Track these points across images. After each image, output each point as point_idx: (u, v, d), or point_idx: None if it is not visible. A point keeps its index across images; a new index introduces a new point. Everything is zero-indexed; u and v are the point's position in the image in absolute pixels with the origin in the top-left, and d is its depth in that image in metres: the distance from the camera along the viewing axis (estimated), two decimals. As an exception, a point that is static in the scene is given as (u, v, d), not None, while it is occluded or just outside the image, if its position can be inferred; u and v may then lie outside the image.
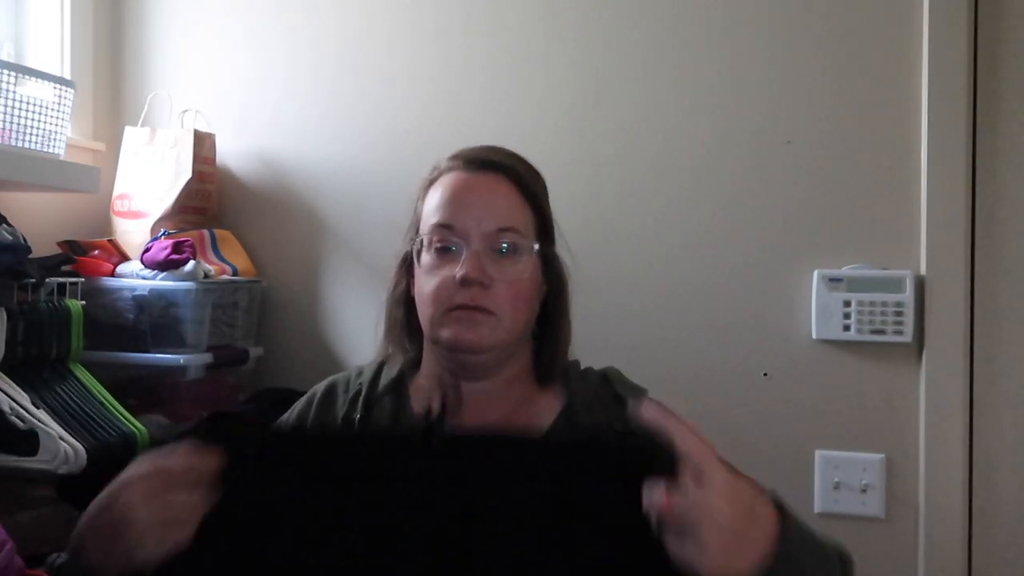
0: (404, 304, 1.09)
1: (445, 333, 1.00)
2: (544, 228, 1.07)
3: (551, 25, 1.80)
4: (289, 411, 1.15)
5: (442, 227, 1.02)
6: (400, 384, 1.10)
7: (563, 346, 1.12)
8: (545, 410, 1.07)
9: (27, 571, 1.27)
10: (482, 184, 1.04)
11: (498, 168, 1.05)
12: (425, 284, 1.02)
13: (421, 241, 1.04)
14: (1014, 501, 1.57)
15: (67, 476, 1.41)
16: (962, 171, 1.58)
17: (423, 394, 1.06)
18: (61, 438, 1.38)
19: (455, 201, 1.02)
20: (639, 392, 1.09)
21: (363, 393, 1.09)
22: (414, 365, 1.11)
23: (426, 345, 1.08)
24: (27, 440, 1.37)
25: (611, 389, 1.09)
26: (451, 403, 1.01)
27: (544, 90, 1.80)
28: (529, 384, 1.09)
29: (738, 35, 1.70)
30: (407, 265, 1.09)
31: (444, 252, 1.02)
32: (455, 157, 1.07)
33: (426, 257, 1.03)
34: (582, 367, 1.15)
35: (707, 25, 1.72)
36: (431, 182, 1.07)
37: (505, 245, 1.01)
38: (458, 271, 0.99)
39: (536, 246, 1.04)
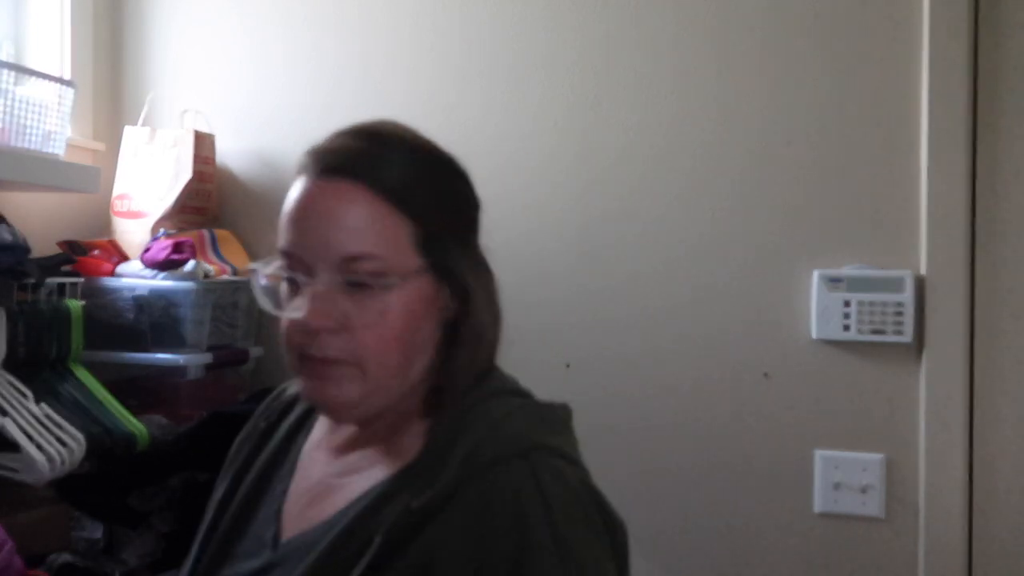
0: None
1: (300, 388, 0.83)
2: (433, 237, 0.81)
3: (551, 26, 1.80)
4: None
5: (284, 254, 0.80)
6: None
7: (458, 377, 0.83)
8: (401, 454, 0.82)
9: (27, 571, 1.27)
10: (327, 198, 0.79)
11: (348, 172, 0.80)
12: (282, 322, 0.81)
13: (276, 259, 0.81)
14: (1014, 501, 1.57)
15: (67, 476, 1.41)
16: (962, 171, 1.58)
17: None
18: (42, 447, 1.37)
19: (296, 221, 0.79)
20: (512, 447, 0.79)
21: (284, 397, 0.97)
22: None
23: None
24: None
25: (474, 441, 0.79)
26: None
27: (544, 91, 1.80)
28: (409, 420, 0.84)
29: (738, 36, 1.70)
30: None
31: (293, 284, 0.80)
32: (310, 151, 0.84)
33: (281, 286, 0.81)
34: (504, 397, 0.86)
35: (707, 25, 1.72)
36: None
37: (357, 278, 0.78)
38: (300, 315, 0.77)
39: (417, 265, 0.80)
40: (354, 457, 0.86)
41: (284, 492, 0.88)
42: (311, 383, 0.81)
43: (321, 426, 0.92)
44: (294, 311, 0.78)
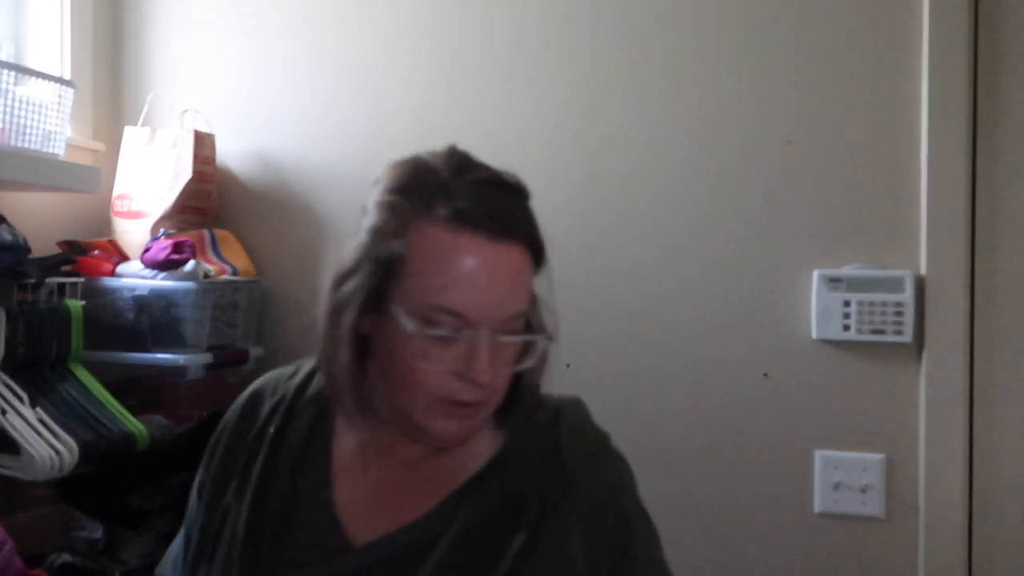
0: (354, 346, 0.85)
1: (433, 425, 0.84)
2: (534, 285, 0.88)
3: (548, 26, 1.80)
4: (223, 421, 1.01)
5: (451, 314, 0.81)
6: (326, 397, 0.94)
7: (532, 389, 0.91)
8: (474, 456, 0.89)
9: (27, 571, 1.27)
10: (503, 262, 0.82)
11: (515, 235, 0.84)
12: (413, 369, 0.82)
13: (404, 310, 0.81)
14: (1014, 501, 1.57)
15: (68, 476, 1.40)
16: (962, 171, 1.58)
17: (351, 425, 0.92)
18: (49, 444, 1.37)
19: (472, 285, 0.80)
20: (588, 444, 0.92)
21: (287, 401, 0.96)
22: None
23: (378, 397, 0.88)
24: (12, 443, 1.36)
25: (554, 440, 0.90)
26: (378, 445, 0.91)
27: (541, 90, 1.80)
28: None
29: (737, 35, 1.70)
30: (368, 300, 0.84)
31: (444, 338, 0.81)
32: (456, 197, 0.82)
33: (418, 339, 0.81)
34: (552, 391, 0.95)
35: (706, 25, 1.72)
36: (424, 217, 0.82)
37: (512, 330, 0.84)
38: (468, 370, 0.81)
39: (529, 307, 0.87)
40: (419, 463, 0.89)
41: (329, 500, 0.89)
42: (450, 422, 0.84)
43: (350, 433, 0.93)
44: (455, 360, 0.81)
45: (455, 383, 0.82)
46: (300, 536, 0.89)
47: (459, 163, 0.86)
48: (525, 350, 0.86)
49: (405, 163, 0.87)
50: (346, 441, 0.93)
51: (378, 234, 0.84)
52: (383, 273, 0.83)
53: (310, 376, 0.98)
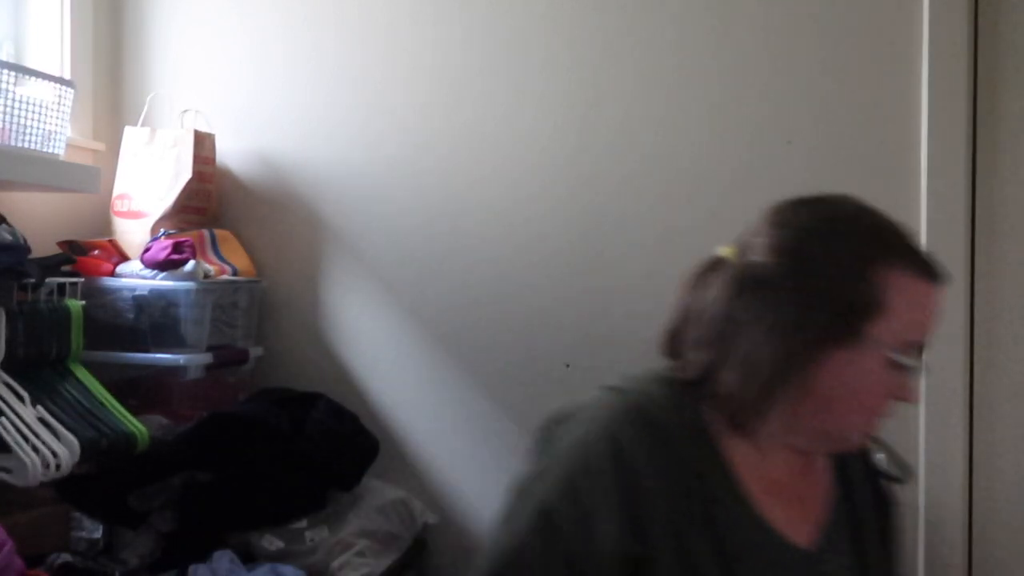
0: (788, 379, 0.91)
1: (857, 439, 0.99)
2: None
3: (550, 25, 1.80)
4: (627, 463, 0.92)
5: (917, 347, 0.95)
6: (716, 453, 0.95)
7: None
8: (815, 480, 1.02)
9: (27, 571, 1.27)
10: (938, 302, 0.99)
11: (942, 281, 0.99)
12: (868, 390, 0.93)
13: (884, 344, 0.91)
14: (1014, 501, 1.57)
15: (68, 476, 1.40)
16: (962, 171, 1.58)
17: (760, 474, 0.96)
18: (37, 449, 1.36)
19: (927, 322, 0.96)
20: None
21: (669, 448, 0.93)
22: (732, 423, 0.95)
23: (781, 424, 0.94)
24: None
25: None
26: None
27: (542, 91, 1.80)
28: None
29: (738, 35, 1.70)
30: (827, 336, 0.91)
31: (901, 366, 0.93)
32: (916, 250, 1.00)
33: (885, 368, 0.92)
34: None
35: (707, 25, 1.72)
36: (899, 271, 0.95)
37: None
38: (905, 393, 0.95)
39: None
40: (794, 486, 0.99)
41: (761, 517, 0.95)
42: (867, 436, 1.00)
43: (760, 467, 0.97)
44: (900, 385, 0.95)
45: (890, 404, 0.96)
46: (760, 556, 0.94)
47: (880, 217, 1.03)
48: None
49: (837, 213, 1.02)
50: (745, 462, 0.96)
51: (845, 279, 0.93)
52: (852, 313, 0.92)
53: (692, 423, 0.97)
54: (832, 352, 0.91)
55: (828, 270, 0.94)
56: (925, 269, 0.97)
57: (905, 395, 0.95)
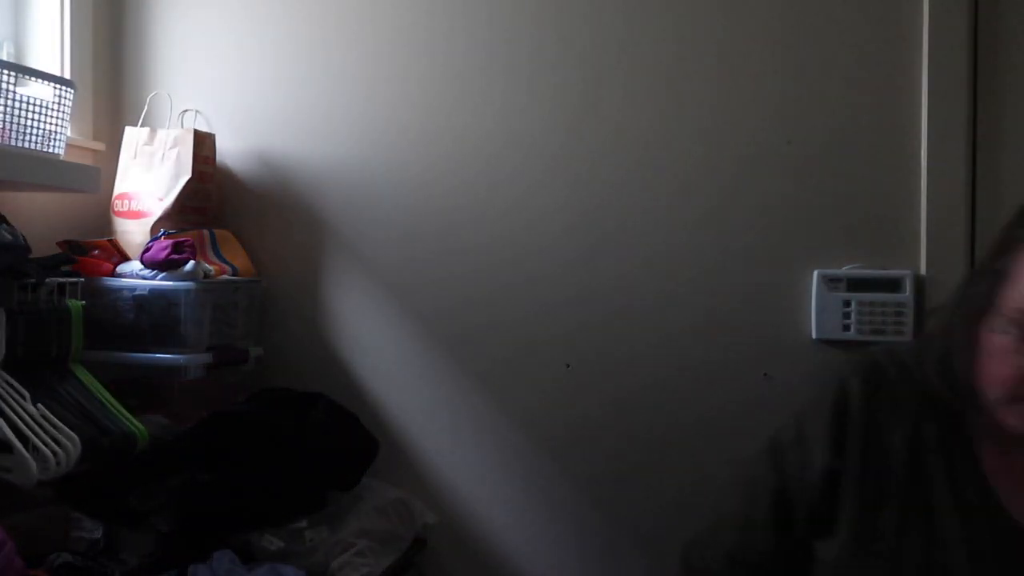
0: (964, 355, 1.00)
1: (1011, 420, 0.96)
2: None
3: (551, 25, 1.80)
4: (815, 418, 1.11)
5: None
6: (961, 425, 1.03)
7: None
8: None
9: (27, 571, 1.27)
10: None
11: None
12: (996, 363, 0.96)
13: (1002, 313, 0.96)
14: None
15: (68, 477, 1.40)
16: (962, 171, 1.58)
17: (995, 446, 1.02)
18: (37, 448, 1.36)
19: None
20: None
21: (919, 406, 1.04)
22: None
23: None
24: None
25: None
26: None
27: (542, 91, 1.80)
28: None
29: (738, 35, 1.70)
30: (978, 306, 0.99)
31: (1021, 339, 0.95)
32: None
33: (1001, 335, 0.95)
34: None
35: (707, 25, 1.72)
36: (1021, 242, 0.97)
37: None
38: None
39: None
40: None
41: (999, 504, 1.00)
42: (1019, 419, 0.95)
43: (997, 452, 1.01)
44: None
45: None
46: (996, 536, 0.99)
47: None
48: None
49: None
50: (993, 460, 1.02)
51: (992, 255, 1.00)
52: (995, 283, 0.97)
53: (923, 382, 1.05)
54: (984, 322, 0.98)
55: (990, 251, 1.01)
56: None
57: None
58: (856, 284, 1.61)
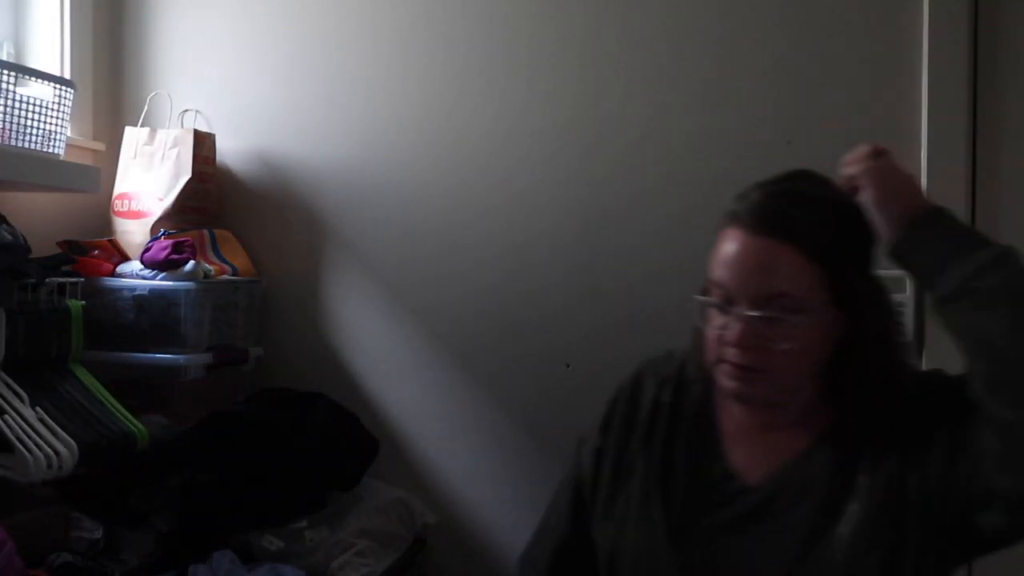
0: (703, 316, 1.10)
1: (721, 381, 1.05)
2: (837, 275, 1.01)
3: (550, 24, 1.80)
4: (613, 400, 1.20)
5: (716, 285, 1.04)
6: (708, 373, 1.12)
7: (871, 372, 1.04)
8: (802, 432, 1.08)
9: (27, 571, 1.27)
10: (758, 252, 1.00)
11: (778, 234, 1.00)
12: (706, 331, 1.06)
13: (703, 288, 1.06)
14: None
15: (68, 476, 1.40)
16: (962, 171, 1.58)
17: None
18: (39, 447, 1.36)
19: (729, 264, 1.02)
20: None
21: (674, 378, 1.16)
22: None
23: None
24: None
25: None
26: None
27: (544, 90, 1.80)
28: (812, 403, 1.07)
29: (738, 35, 1.70)
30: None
31: (718, 307, 1.04)
32: (743, 201, 1.04)
33: (704, 307, 1.06)
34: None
35: (707, 25, 1.72)
36: (721, 226, 1.06)
37: (773, 312, 0.99)
38: (727, 333, 1.01)
39: (822, 300, 1.00)
40: (776, 433, 1.08)
41: (722, 456, 1.09)
42: (730, 382, 1.03)
43: (734, 414, 1.11)
44: (722, 329, 1.02)
45: (723, 346, 1.02)
46: (706, 484, 1.08)
47: (776, 178, 1.09)
48: (788, 331, 0.99)
49: None
50: (735, 420, 1.11)
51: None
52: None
53: (685, 357, 1.17)
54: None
55: None
56: (734, 216, 1.04)
57: (726, 336, 1.01)
58: (856, 284, 1.61)
